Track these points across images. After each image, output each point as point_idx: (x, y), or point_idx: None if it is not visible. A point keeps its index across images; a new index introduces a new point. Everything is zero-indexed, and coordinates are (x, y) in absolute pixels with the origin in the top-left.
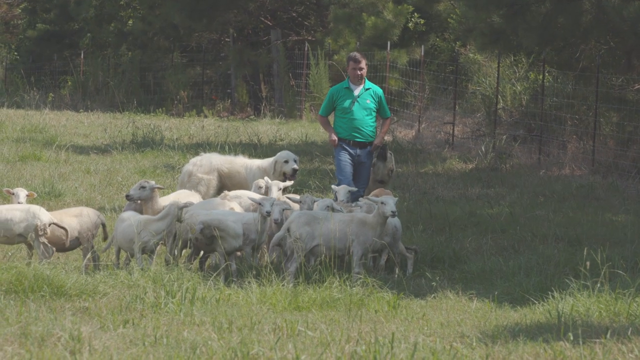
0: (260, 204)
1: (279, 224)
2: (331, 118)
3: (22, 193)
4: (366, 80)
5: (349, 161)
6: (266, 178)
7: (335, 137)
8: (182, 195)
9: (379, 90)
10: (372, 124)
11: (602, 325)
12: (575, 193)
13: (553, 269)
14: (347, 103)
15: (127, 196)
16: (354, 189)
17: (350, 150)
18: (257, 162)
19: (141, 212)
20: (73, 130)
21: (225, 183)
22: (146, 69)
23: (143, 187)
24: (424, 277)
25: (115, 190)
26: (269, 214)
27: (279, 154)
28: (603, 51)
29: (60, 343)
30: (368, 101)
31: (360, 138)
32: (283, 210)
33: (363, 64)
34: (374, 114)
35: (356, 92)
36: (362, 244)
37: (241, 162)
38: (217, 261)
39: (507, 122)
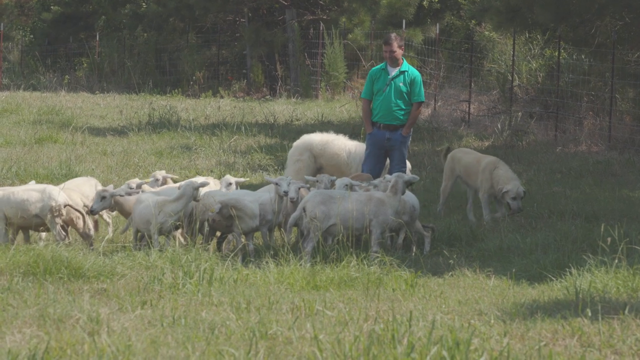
0: (277, 183)
1: (295, 202)
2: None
3: None
4: (404, 62)
5: (376, 151)
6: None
7: (370, 129)
8: (75, 184)
9: (415, 73)
10: (404, 107)
11: (620, 301)
12: (592, 169)
13: (570, 245)
14: (381, 84)
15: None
16: (356, 183)
17: (380, 136)
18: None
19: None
20: (89, 112)
21: (322, 164)
22: (162, 50)
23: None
24: (441, 255)
25: (132, 171)
26: (286, 193)
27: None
28: (619, 27)
29: (78, 325)
30: (401, 84)
31: (390, 121)
32: (299, 188)
33: (394, 46)
34: (407, 97)
35: (391, 74)
36: (382, 224)
37: (341, 145)
38: (235, 242)
39: (523, 100)
